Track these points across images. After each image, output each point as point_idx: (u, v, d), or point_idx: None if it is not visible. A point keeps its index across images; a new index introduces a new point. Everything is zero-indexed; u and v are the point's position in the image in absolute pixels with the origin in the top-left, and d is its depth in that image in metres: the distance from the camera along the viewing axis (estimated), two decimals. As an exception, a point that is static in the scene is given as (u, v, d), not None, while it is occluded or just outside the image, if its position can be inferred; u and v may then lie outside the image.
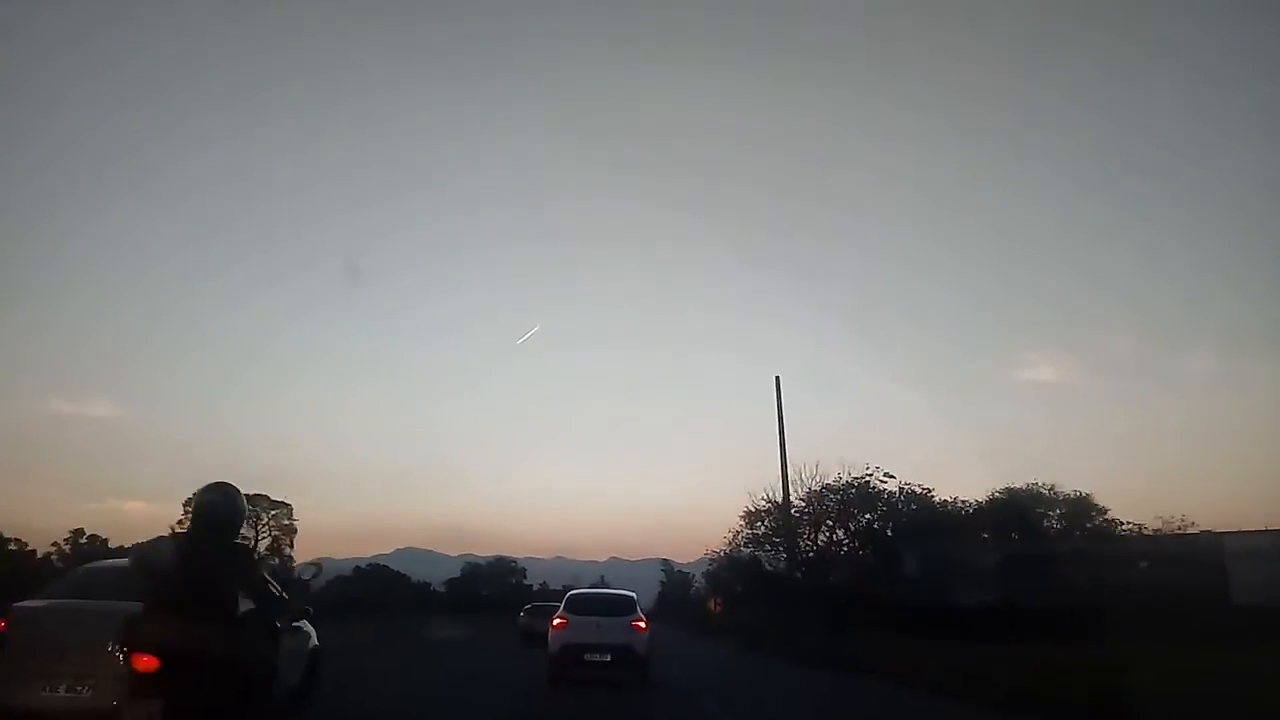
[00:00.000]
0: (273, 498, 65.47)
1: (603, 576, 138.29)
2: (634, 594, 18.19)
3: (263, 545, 62.94)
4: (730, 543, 46.71)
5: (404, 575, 75.19)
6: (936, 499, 41.06)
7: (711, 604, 53.34)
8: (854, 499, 40.44)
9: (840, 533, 42.05)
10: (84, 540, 60.49)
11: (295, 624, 10.78)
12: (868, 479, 40.20)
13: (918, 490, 40.88)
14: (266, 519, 65.12)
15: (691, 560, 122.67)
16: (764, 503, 42.38)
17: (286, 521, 66.04)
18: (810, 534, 41.91)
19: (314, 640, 11.42)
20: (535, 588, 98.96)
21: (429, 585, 76.78)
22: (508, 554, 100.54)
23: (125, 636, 5.06)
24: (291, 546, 65.52)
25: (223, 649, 4.72)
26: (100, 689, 7.47)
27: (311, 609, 11.62)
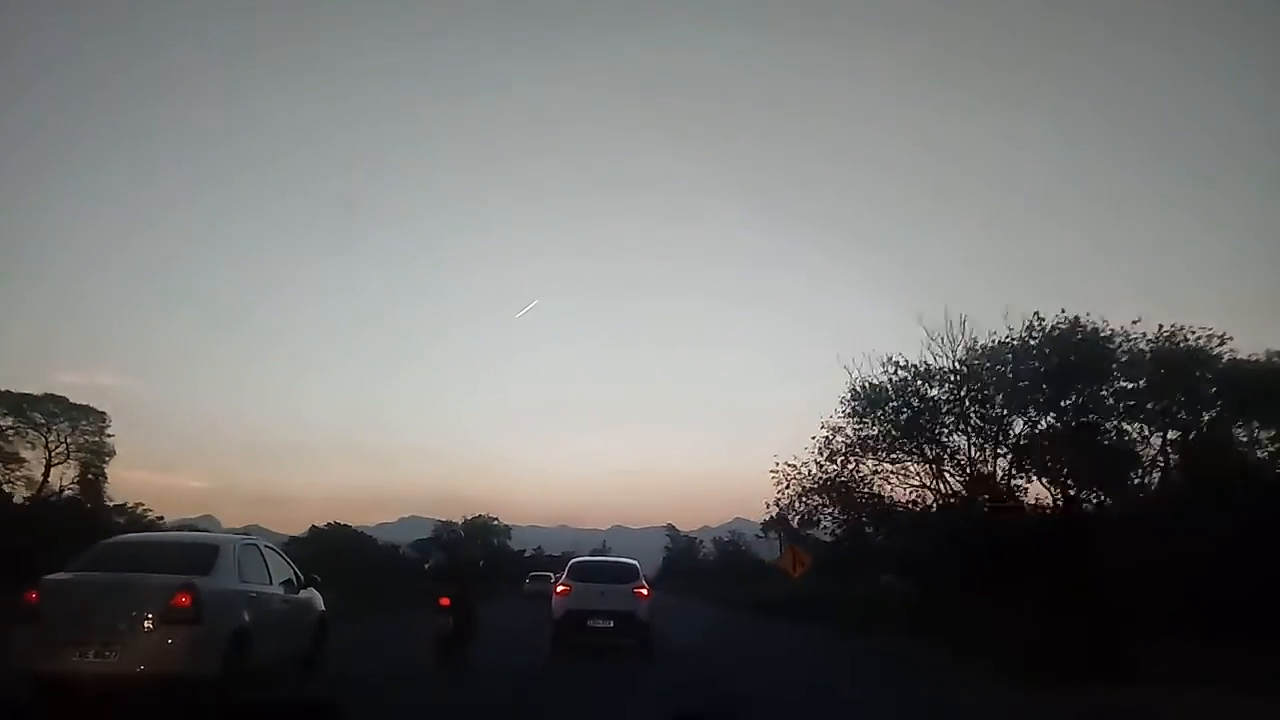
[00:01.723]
0: (73, 401, 46.94)
1: (605, 542, 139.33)
2: (636, 561, 18.84)
3: (66, 473, 45.98)
4: (825, 452, 27.94)
5: (370, 538, 72.49)
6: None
7: (790, 561, 33.28)
8: (1075, 353, 24.17)
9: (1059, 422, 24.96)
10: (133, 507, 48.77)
11: (303, 592, 11.58)
12: (1083, 326, 24.33)
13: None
14: (66, 434, 46.10)
15: (696, 527, 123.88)
16: (890, 370, 26.45)
17: (97, 438, 47.09)
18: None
19: (320, 607, 12.16)
20: (528, 553, 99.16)
21: (397, 548, 74.20)
22: (513, 522, 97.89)
23: (433, 589, 13.25)
24: (104, 476, 47.22)
25: (464, 600, 13.05)
26: (126, 654, 8.25)
27: (318, 578, 12.36)
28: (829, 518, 29.70)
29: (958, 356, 25.98)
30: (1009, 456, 25.97)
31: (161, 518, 51.37)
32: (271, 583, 10.57)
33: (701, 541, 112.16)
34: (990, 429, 25.84)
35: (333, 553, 47.66)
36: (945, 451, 26.67)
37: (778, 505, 29.79)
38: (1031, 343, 24.86)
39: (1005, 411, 25.63)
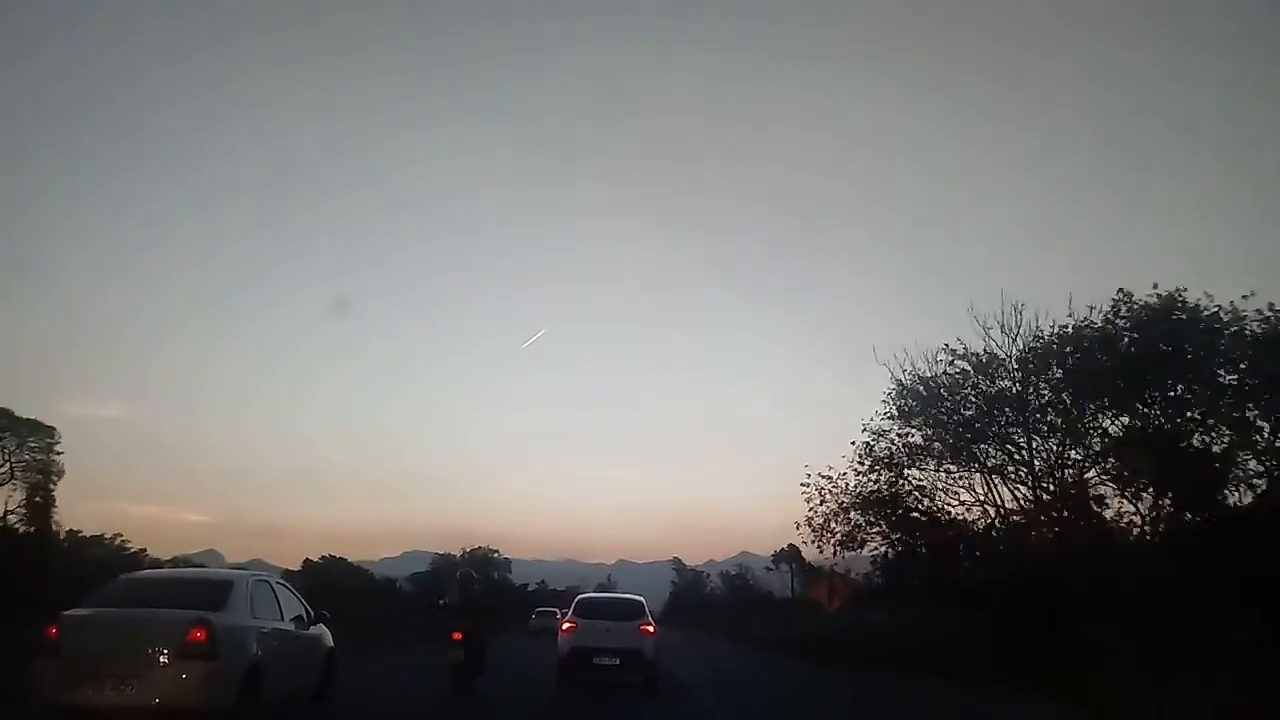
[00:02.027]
0: (19, 415, 43.04)
1: (610, 577, 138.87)
2: (642, 598, 19.02)
3: (13, 495, 42.05)
4: (866, 461, 23.73)
5: (367, 571, 71.69)
6: None
7: (826, 591, 29.75)
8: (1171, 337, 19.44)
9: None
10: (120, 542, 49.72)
11: (313, 628, 11.86)
12: (1184, 303, 19.52)
13: None
14: (11, 451, 42.24)
15: (702, 561, 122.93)
16: (945, 360, 22.51)
17: (43, 456, 42.95)
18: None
19: (329, 642, 12.43)
20: (531, 588, 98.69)
21: (394, 582, 72.92)
22: (518, 556, 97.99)
23: (448, 624, 14.18)
24: (52, 500, 43.16)
25: (476, 635, 14.08)
26: (143, 687, 8.53)
27: (328, 614, 12.64)
28: (876, 538, 24.45)
29: (1023, 344, 21.52)
30: (1090, 464, 21.38)
31: (144, 550, 50.01)
32: (283, 618, 10.86)
33: (708, 576, 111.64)
34: (1066, 432, 21.38)
35: (325, 587, 46.05)
36: (1011, 459, 22.06)
37: (809, 525, 24.46)
38: (1116, 325, 20.24)
39: (1086, 410, 21.02)
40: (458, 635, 13.44)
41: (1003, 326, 21.81)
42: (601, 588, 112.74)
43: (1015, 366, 21.88)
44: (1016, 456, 22.04)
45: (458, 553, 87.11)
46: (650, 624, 17.09)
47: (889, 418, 23.64)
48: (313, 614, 11.95)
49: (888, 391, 23.58)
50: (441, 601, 15.95)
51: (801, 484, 24.58)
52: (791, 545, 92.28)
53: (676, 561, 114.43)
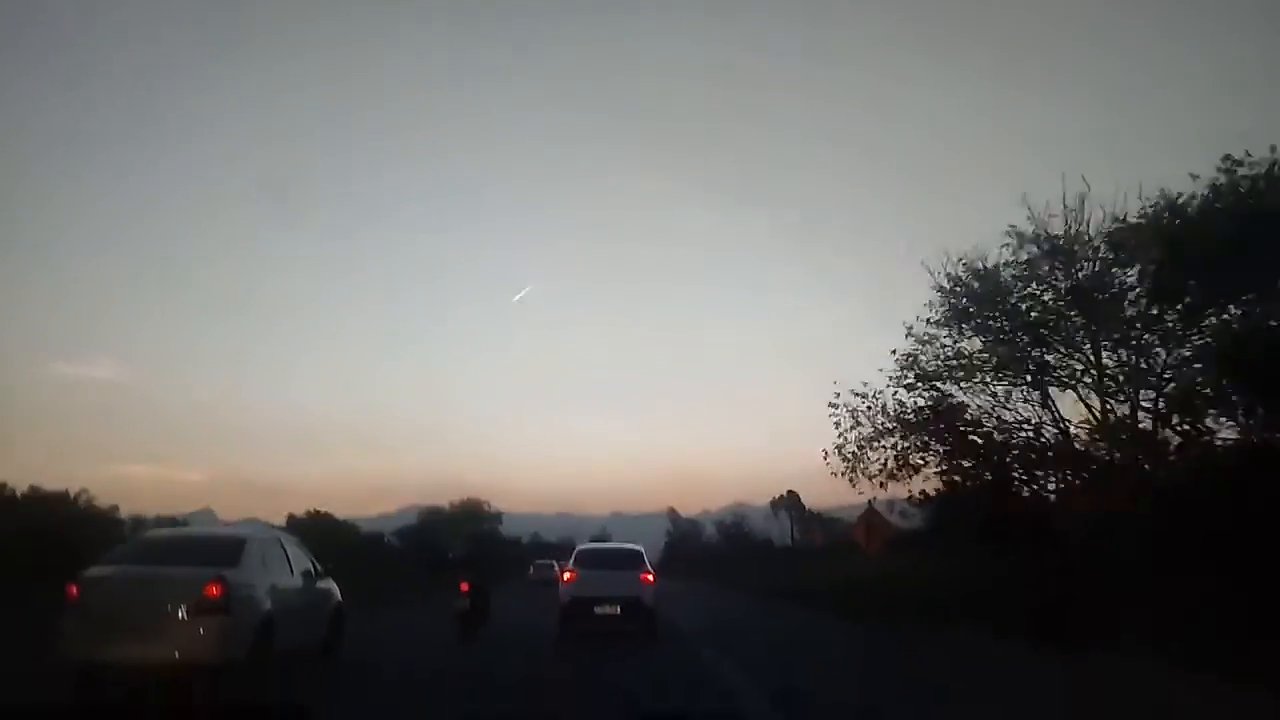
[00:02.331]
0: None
1: (604, 529, 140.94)
2: (641, 548, 19.32)
3: None
4: (908, 375, 19.98)
5: (354, 526, 70.52)
6: None
7: (864, 531, 26.79)
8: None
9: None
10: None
11: (321, 583, 12.26)
12: None
13: None
14: None
15: (695, 512, 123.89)
16: (1010, 245, 18.30)
17: None
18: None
19: (337, 597, 12.85)
20: (524, 540, 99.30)
21: (382, 537, 72.41)
22: (513, 510, 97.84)
23: (456, 576, 15.46)
24: None
25: (480, 586, 15.34)
26: (161, 642, 8.90)
27: (332, 565, 13.05)
28: (930, 463, 19.96)
29: (1096, 231, 17.58)
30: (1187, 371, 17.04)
31: (115, 507, 46.19)
32: (293, 574, 11.26)
33: (704, 525, 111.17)
34: (1165, 333, 17.16)
35: (310, 544, 45.35)
36: (1091, 367, 18.21)
37: (839, 454, 20.60)
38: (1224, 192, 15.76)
39: (1184, 302, 16.66)
40: (465, 586, 14.21)
41: (1066, 218, 17.67)
42: (596, 539, 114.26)
43: (1101, 247, 17.54)
44: (1098, 364, 18.02)
45: (446, 505, 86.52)
46: (649, 573, 17.43)
47: (936, 324, 19.67)
48: (320, 570, 12.34)
49: (936, 289, 19.51)
50: (450, 555, 16.88)
51: (829, 405, 20.72)
52: (791, 491, 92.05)
53: (671, 512, 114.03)
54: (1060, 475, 18.96)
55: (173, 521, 46.54)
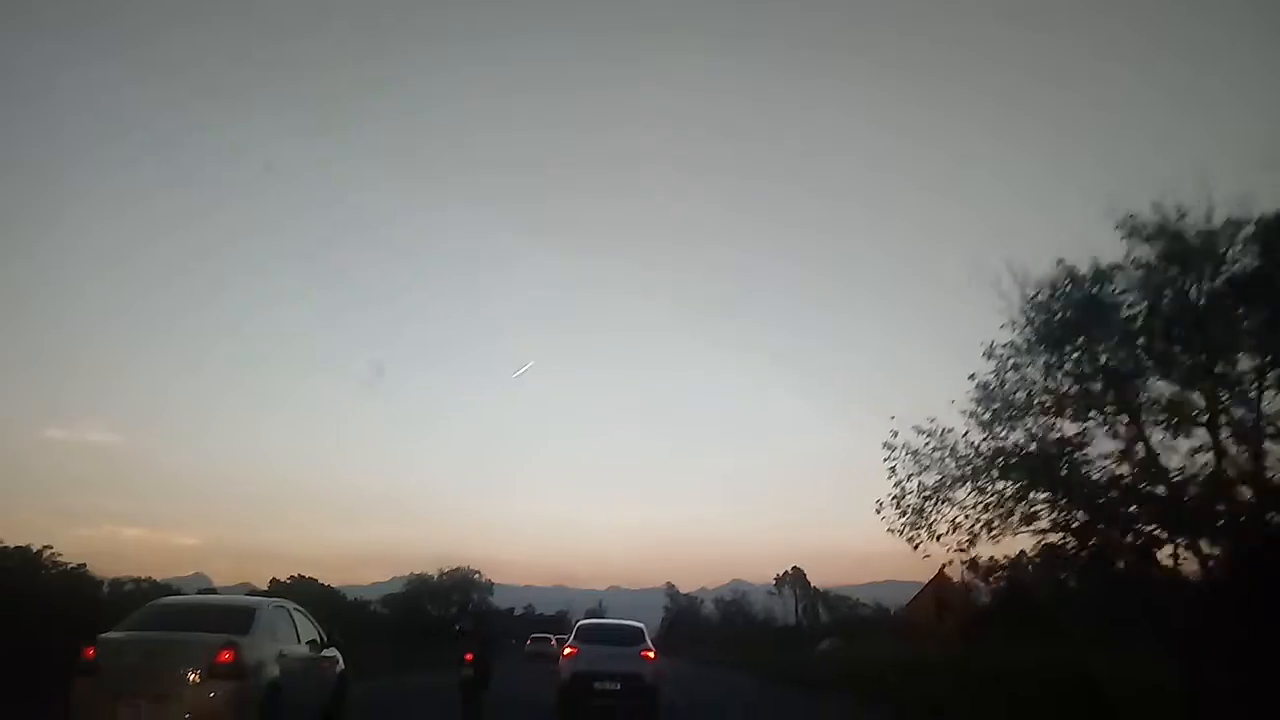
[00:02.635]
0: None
1: (600, 602, 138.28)
2: (643, 624, 19.25)
3: None
4: (988, 409, 16.29)
5: (339, 593, 68.27)
6: None
7: (929, 604, 23.12)
8: None
9: None
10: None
11: (325, 650, 12.55)
12: None
13: None
14: None
15: (693, 589, 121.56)
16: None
17: None
18: None
19: (340, 664, 13.14)
20: (518, 612, 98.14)
21: (368, 604, 70.34)
22: (508, 582, 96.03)
23: (467, 646, 14.84)
24: None
25: (482, 656, 14.69)
26: (175, 706, 9.23)
27: (340, 639, 13.35)
28: (1042, 514, 15.68)
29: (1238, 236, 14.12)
30: None
31: (84, 565, 46.47)
32: (299, 641, 11.58)
33: (703, 601, 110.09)
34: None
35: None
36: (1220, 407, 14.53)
37: (896, 506, 16.93)
38: None
39: None
40: (469, 655, 14.64)
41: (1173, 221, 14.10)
42: (592, 613, 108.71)
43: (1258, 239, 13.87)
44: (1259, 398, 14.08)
45: (435, 574, 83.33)
46: (651, 650, 17.37)
47: (1018, 350, 15.99)
48: (325, 638, 12.65)
49: (1013, 311, 15.89)
50: (457, 628, 17.16)
51: (885, 445, 17.24)
52: (796, 568, 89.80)
53: (670, 586, 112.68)
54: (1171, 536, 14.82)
55: (167, 588, 46.36)
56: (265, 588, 66.30)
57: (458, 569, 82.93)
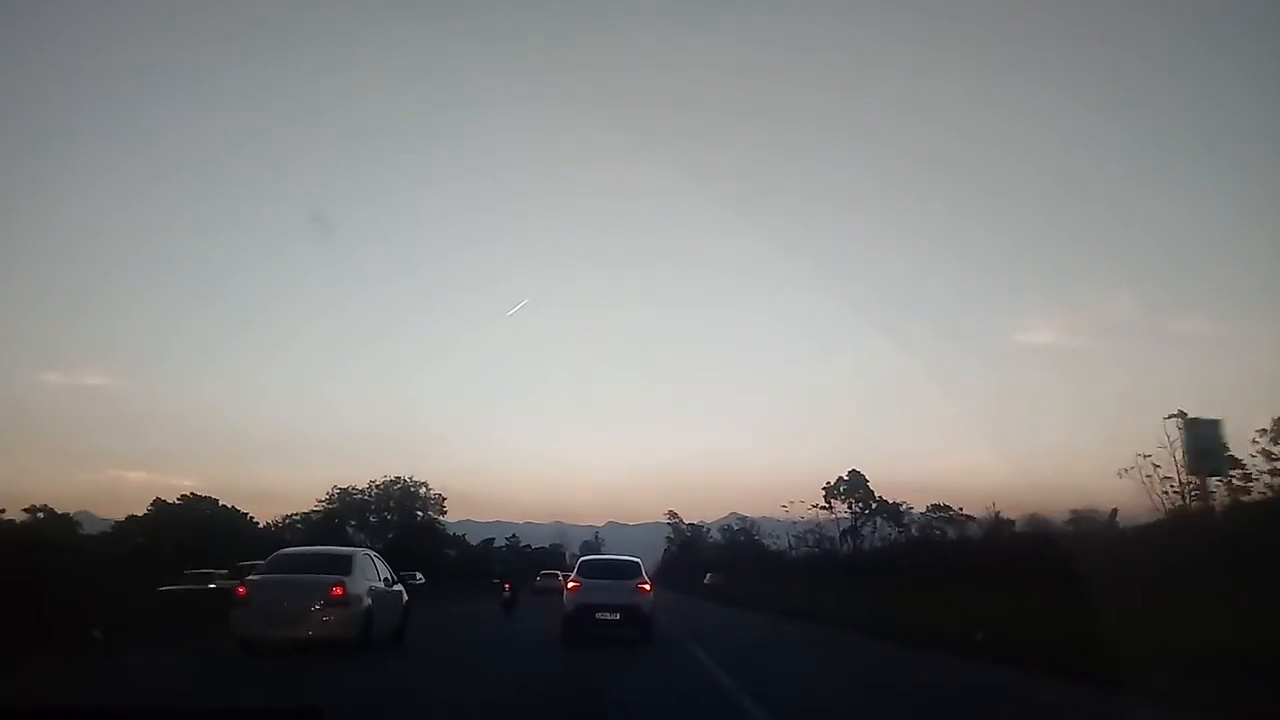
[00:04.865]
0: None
1: (597, 535, 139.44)
2: (639, 560, 21.97)
3: None
4: None
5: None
6: None
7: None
8: None
9: None
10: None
11: (395, 585, 16.87)
12: None
13: None
14: None
15: (697, 520, 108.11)
16: None
17: None
18: None
19: (406, 596, 17.66)
20: (502, 546, 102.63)
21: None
22: (505, 519, 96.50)
23: (504, 579, 29.65)
24: None
25: (515, 585, 29.24)
26: (302, 626, 13.77)
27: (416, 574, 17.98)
28: None
29: None
30: None
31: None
32: (379, 579, 15.93)
33: (709, 531, 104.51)
34: None
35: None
36: None
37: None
38: None
39: None
40: (507, 585, 19.22)
41: None
42: (587, 546, 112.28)
43: None
44: None
45: (365, 488, 73.65)
46: (646, 583, 19.52)
47: None
48: (394, 576, 17.04)
49: None
50: (496, 567, 22.56)
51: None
52: (854, 471, 63.73)
53: (672, 516, 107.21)
54: None
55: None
56: (261, 525, 70.12)
57: (396, 480, 73.41)
